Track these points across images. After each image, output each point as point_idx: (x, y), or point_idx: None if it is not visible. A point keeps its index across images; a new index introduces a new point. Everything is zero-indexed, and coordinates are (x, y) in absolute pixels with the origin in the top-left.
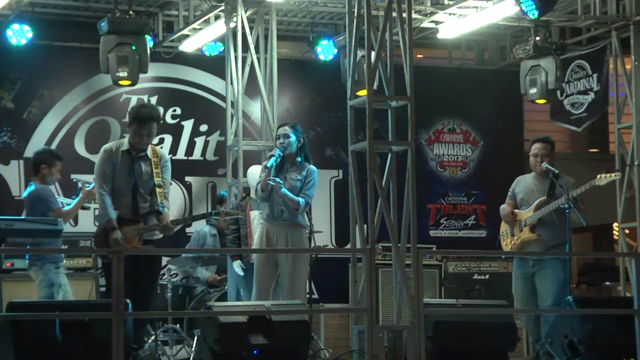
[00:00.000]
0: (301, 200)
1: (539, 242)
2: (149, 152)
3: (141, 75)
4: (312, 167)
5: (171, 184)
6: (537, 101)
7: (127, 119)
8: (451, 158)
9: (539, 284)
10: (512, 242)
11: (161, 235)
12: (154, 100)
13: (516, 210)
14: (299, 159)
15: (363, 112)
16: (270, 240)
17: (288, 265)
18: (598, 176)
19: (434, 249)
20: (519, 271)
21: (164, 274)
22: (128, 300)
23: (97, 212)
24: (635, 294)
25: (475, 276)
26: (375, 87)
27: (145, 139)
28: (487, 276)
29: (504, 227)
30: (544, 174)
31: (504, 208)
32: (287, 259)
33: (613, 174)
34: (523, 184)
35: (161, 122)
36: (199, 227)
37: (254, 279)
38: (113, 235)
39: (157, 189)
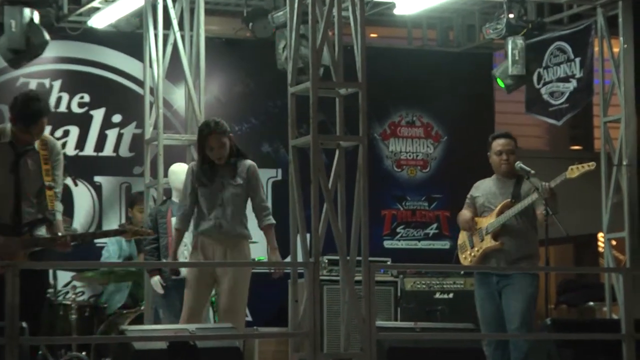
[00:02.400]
0: (270, 219)
1: (503, 252)
2: (37, 143)
3: (43, 56)
4: (251, 161)
5: (64, 180)
6: (499, 83)
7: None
8: (410, 156)
9: (504, 303)
10: (472, 255)
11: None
12: (57, 85)
13: (476, 218)
14: (232, 159)
15: (306, 101)
16: (207, 257)
17: (229, 282)
18: (570, 168)
19: (388, 262)
20: (482, 291)
21: (67, 292)
22: (24, 324)
23: None
24: (623, 315)
25: (437, 295)
26: (320, 72)
27: (35, 137)
28: (451, 295)
29: (462, 238)
30: (507, 174)
31: (464, 213)
32: (228, 275)
33: (587, 165)
34: (483, 187)
35: (66, 110)
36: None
37: (185, 297)
38: None
39: (47, 192)
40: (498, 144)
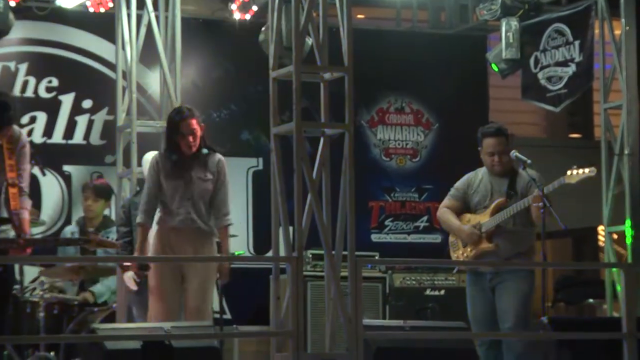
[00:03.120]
0: (226, 222)
1: (497, 253)
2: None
3: (7, 37)
4: (221, 156)
5: (31, 169)
6: (492, 67)
7: None
8: (399, 144)
9: (498, 301)
10: (465, 255)
11: (12, 234)
12: (23, 68)
13: (469, 215)
14: (204, 150)
15: (289, 86)
16: (175, 253)
17: (199, 281)
18: (568, 172)
19: (376, 257)
20: (474, 288)
21: (34, 289)
22: None
23: None
24: (624, 313)
25: (428, 292)
26: (304, 55)
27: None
28: (442, 292)
29: (454, 236)
30: (501, 174)
31: (447, 218)
32: (196, 272)
33: (586, 170)
34: (477, 183)
35: (33, 95)
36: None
37: (159, 294)
38: None
39: (10, 190)
40: (488, 144)
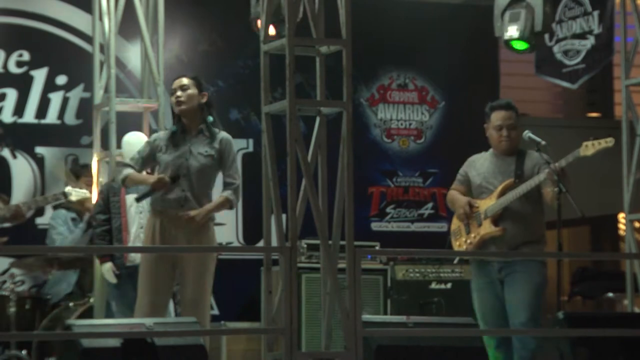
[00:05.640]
0: (228, 194)
1: (504, 239)
2: None
3: None
4: (227, 134)
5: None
6: (515, 46)
7: None
8: (402, 124)
9: (508, 294)
10: (468, 242)
11: None
12: None
13: (472, 200)
14: (210, 118)
15: (281, 60)
16: (166, 241)
17: (194, 272)
18: (584, 144)
19: (377, 247)
20: (481, 280)
21: (4, 282)
22: None
23: None
24: None
25: (433, 285)
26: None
27: None
28: (448, 285)
29: (456, 223)
30: (507, 151)
31: (453, 194)
32: (193, 263)
33: (604, 141)
34: (479, 165)
35: (2, 71)
36: (56, 213)
37: (145, 285)
38: None
39: None
40: (497, 117)
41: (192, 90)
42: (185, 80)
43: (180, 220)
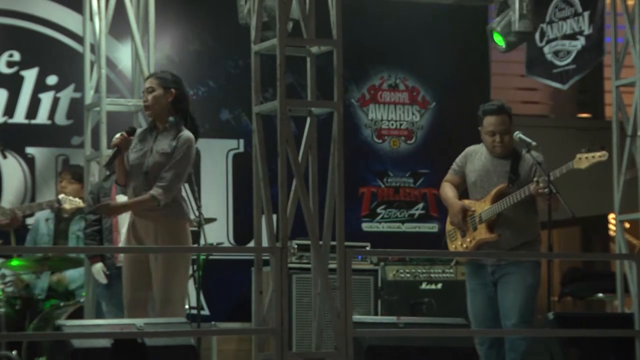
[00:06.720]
0: (154, 191)
1: (499, 244)
2: None
3: None
4: (188, 134)
5: None
6: (495, 39)
7: None
8: (392, 125)
9: (500, 296)
10: (464, 246)
11: None
12: None
13: (467, 201)
14: (171, 118)
15: (272, 60)
16: (139, 238)
17: (161, 270)
18: (577, 156)
19: (367, 248)
20: (475, 281)
21: None
22: None
23: None
24: (636, 309)
25: (424, 285)
26: (289, 27)
27: None
28: (439, 285)
29: (450, 225)
30: (502, 155)
31: (447, 192)
32: (159, 262)
33: (597, 154)
34: (477, 161)
35: None
36: (40, 214)
37: (124, 282)
38: None
39: None
40: (489, 122)
41: (158, 92)
42: (149, 83)
43: (147, 217)
